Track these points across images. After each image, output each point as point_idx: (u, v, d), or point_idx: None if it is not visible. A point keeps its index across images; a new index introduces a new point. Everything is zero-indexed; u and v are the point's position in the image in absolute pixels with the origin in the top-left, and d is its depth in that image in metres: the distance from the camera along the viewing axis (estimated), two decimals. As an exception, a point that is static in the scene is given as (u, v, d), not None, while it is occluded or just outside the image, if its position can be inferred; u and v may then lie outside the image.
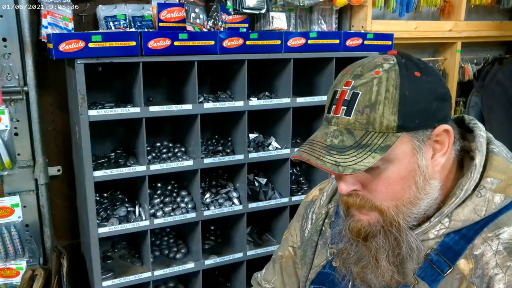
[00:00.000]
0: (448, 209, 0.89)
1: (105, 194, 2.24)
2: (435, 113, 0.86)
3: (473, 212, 0.88)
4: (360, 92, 0.84)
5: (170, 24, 2.03)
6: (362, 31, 2.56)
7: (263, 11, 2.28)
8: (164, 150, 2.17)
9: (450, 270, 0.87)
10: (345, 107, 0.85)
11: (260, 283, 1.29)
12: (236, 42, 1.98)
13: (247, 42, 2.00)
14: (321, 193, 1.18)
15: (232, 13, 2.24)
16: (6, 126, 1.96)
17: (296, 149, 0.94)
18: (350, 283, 0.99)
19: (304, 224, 1.19)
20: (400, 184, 0.86)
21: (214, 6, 2.22)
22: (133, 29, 2.15)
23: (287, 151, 2.23)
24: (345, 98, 0.86)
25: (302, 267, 1.15)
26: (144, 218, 2.03)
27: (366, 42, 2.26)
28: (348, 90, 0.86)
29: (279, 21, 2.35)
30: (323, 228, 1.11)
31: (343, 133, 0.85)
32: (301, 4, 2.47)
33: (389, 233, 0.89)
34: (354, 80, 0.86)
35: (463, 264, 0.87)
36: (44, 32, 2.01)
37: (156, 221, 2.04)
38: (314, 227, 1.13)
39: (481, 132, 0.94)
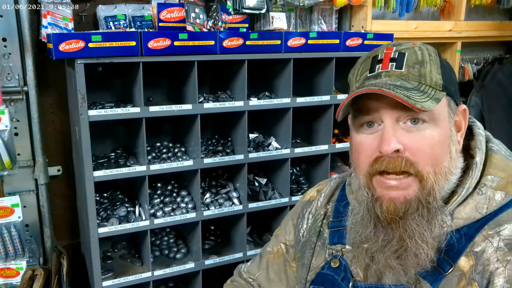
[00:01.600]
0: (450, 207, 0.89)
1: (105, 194, 2.24)
2: (458, 92, 0.92)
3: (474, 210, 0.88)
4: (407, 53, 0.88)
5: (170, 24, 2.03)
6: (362, 31, 2.56)
7: (263, 11, 2.28)
8: (164, 150, 2.17)
9: (451, 269, 0.87)
10: (394, 63, 0.89)
11: (242, 274, 1.27)
12: (236, 42, 1.98)
13: (247, 42, 2.00)
14: (318, 194, 1.18)
15: (232, 13, 2.24)
16: (6, 126, 1.96)
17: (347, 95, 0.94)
18: (351, 283, 0.99)
19: (300, 223, 1.18)
20: (442, 147, 0.87)
21: (214, 6, 2.22)
22: (133, 29, 2.15)
23: (287, 151, 2.23)
24: (392, 57, 0.89)
25: (300, 268, 1.14)
26: (144, 218, 2.03)
27: (366, 42, 2.26)
28: (393, 52, 0.89)
29: (279, 21, 2.35)
30: (321, 229, 1.11)
31: (399, 80, 0.87)
32: (301, 4, 2.47)
33: (427, 204, 0.86)
34: (395, 47, 0.90)
35: (463, 261, 0.87)
36: (44, 32, 2.01)
37: (156, 221, 2.04)
38: (313, 228, 1.12)
39: (480, 130, 0.95)
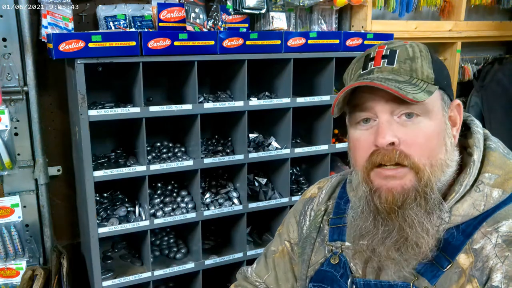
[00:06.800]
0: (448, 205, 0.90)
1: (105, 194, 2.24)
2: (451, 87, 0.94)
3: (472, 207, 0.89)
4: (398, 50, 0.91)
5: (170, 24, 2.03)
6: (362, 31, 2.56)
7: (263, 11, 2.28)
8: (164, 150, 2.17)
9: (450, 265, 0.88)
10: (386, 60, 0.91)
11: (250, 276, 1.25)
12: (236, 42, 1.98)
13: (247, 42, 2.00)
14: (320, 191, 1.19)
15: (232, 13, 2.24)
16: (6, 126, 1.96)
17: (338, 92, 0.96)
18: (349, 280, 0.99)
19: (302, 220, 1.18)
20: (437, 140, 0.88)
21: (214, 6, 2.22)
22: (133, 29, 2.15)
23: (287, 151, 2.23)
24: (384, 53, 0.91)
25: (300, 264, 1.14)
26: (144, 218, 2.03)
27: (366, 42, 2.26)
28: (384, 50, 0.92)
29: (279, 21, 2.35)
30: (321, 225, 1.11)
31: (391, 74, 0.89)
32: (301, 4, 2.47)
33: (424, 195, 0.87)
34: (387, 45, 0.93)
35: (463, 259, 0.87)
36: (44, 32, 2.01)
37: (156, 221, 2.04)
38: (313, 224, 1.13)
39: (478, 128, 0.96)
